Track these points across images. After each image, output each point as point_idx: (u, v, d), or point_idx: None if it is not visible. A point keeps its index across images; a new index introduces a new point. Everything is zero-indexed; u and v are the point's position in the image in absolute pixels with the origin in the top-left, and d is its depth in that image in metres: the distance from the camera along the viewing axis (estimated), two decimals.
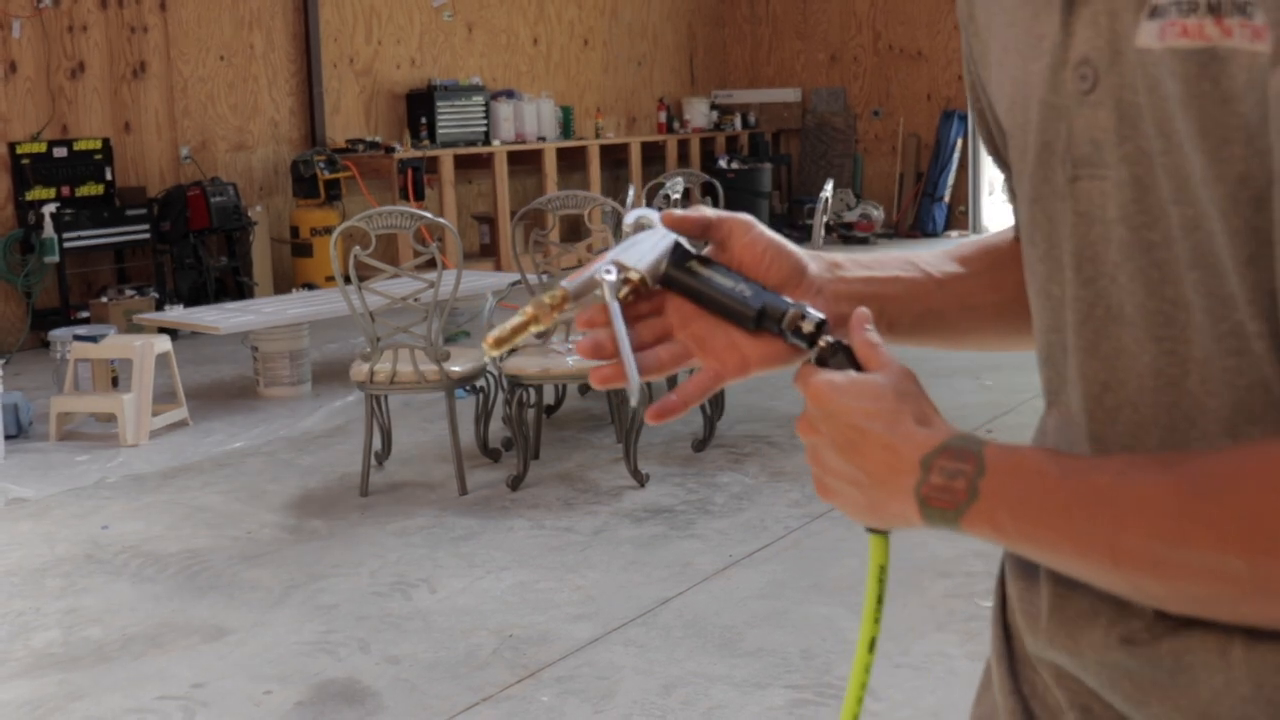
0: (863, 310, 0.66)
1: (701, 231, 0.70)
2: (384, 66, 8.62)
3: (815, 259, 0.72)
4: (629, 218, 0.71)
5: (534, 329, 0.64)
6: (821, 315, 0.66)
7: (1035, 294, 0.64)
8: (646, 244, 0.68)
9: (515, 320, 0.65)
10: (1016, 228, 0.72)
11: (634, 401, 0.70)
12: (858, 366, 0.64)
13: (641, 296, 0.67)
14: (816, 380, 0.63)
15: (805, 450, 0.66)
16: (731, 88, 11.35)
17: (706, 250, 0.70)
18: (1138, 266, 0.56)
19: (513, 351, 4.21)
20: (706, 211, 0.71)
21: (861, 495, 0.63)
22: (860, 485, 0.62)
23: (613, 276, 0.66)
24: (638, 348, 0.66)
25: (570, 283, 0.66)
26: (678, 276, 0.68)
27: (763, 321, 0.66)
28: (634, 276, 0.66)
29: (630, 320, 0.67)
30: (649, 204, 4.89)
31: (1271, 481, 0.50)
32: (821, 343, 0.65)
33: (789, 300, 0.67)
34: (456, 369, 3.90)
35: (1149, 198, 0.55)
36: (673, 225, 0.69)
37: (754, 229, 0.70)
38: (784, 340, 0.67)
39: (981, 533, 0.58)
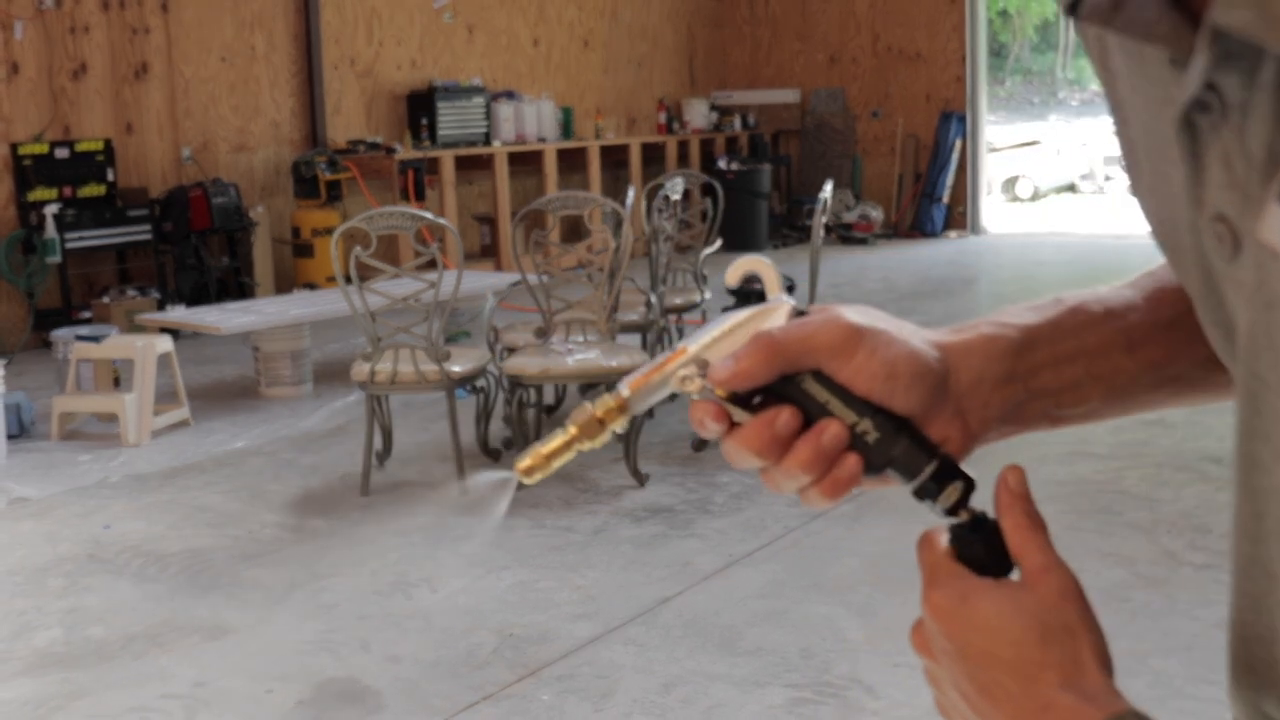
0: (1016, 474, 0.50)
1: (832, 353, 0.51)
2: (385, 68, 8.63)
3: (959, 344, 0.54)
4: (733, 269, 0.53)
5: (581, 448, 0.51)
6: (969, 480, 0.51)
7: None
8: (740, 331, 0.50)
9: (555, 442, 0.51)
10: None
11: None
12: (1002, 556, 0.50)
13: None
14: (939, 599, 0.49)
15: (924, 669, 0.53)
16: (731, 88, 11.37)
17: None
18: None
19: (511, 351, 4.22)
20: (847, 317, 0.51)
21: None
22: None
23: (695, 383, 0.50)
24: None
25: (631, 386, 0.51)
26: (786, 394, 0.50)
27: (895, 471, 0.51)
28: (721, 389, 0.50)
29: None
30: (648, 205, 4.89)
31: None
32: (962, 514, 0.51)
33: (936, 446, 0.51)
34: (457, 369, 3.92)
35: None
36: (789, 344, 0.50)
37: (890, 341, 0.52)
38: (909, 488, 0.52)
39: None
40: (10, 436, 4.64)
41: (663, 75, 10.87)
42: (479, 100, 8.77)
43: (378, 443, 4.10)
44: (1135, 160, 0.47)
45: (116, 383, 4.96)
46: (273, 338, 5.25)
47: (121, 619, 3.03)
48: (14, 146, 6.69)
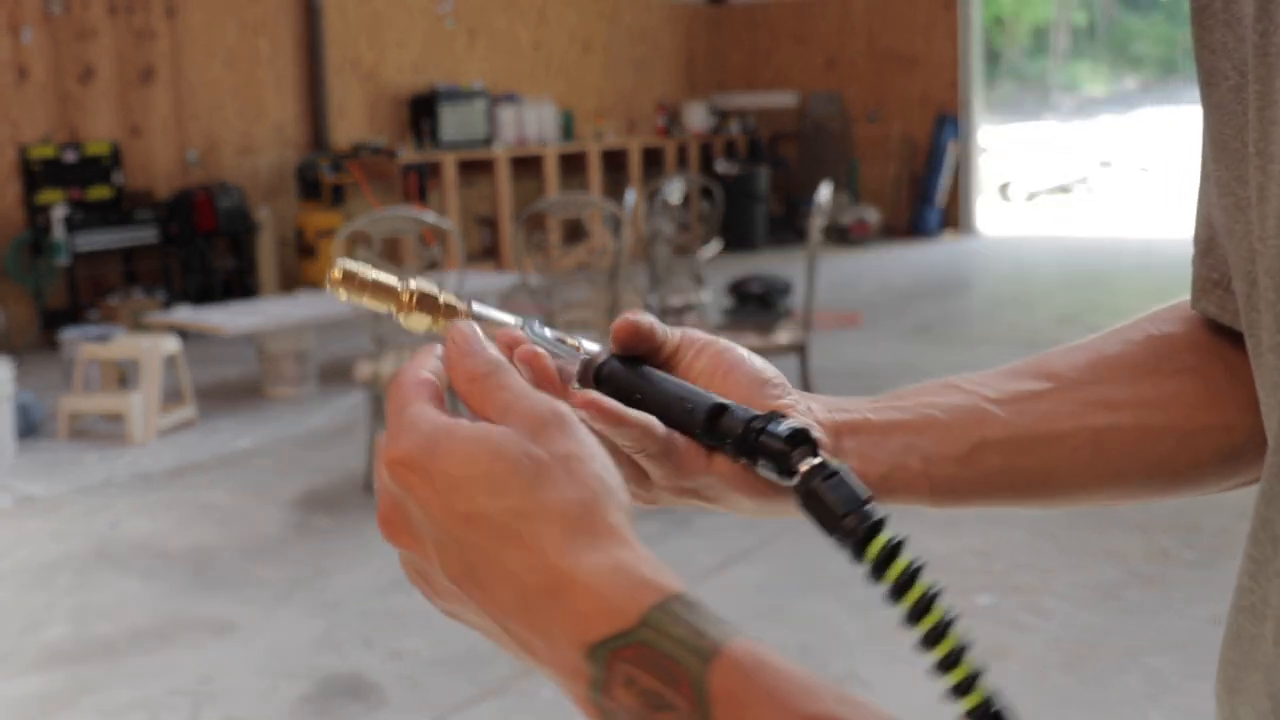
0: (458, 330, 0.41)
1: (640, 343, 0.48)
2: (387, 71, 8.68)
3: (808, 396, 0.49)
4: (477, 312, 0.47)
5: (399, 313, 0.46)
6: (804, 423, 0.44)
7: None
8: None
9: (385, 280, 0.46)
10: (1198, 297, 0.51)
11: None
12: (858, 497, 0.41)
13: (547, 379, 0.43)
14: (406, 451, 0.38)
15: (400, 560, 0.40)
16: (730, 92, 11.41)
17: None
18: None
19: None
20: (653, 324, 0.48)
21: (502, 641, 0.38)
22: (496, 637, 0.38)
23: (547, 332, 0.46)
24: None
25: (478, 306, 0.47)
26: (612, 374, 0.47)
27: (717, 424, 0.45)
28: (581, 346, 0.47)
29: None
30: (649, 206, 4.93)
31: None
32: (803, 467, 0.42)
33: (751, 410, 0.45)
34: None
35: None
36: (621, 337, 0.47)
37: (716, 344, 0.48)
38: (738, 462, 0.45)
39: None
40: (19, 436, 4.69)
41: (662, 78, 10.91)
42: (480, 103, 8.82)
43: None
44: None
45: (123, 383, 5.01)
46: (277, 338, 5.29)
47: (128, 615, 3.06)
48: (22, 149, 6.74)
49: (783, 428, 0.43)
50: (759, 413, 0.45)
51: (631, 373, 0.47)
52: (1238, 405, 0.50)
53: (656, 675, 0.34)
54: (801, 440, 0.43)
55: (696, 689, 0.34)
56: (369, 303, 0.46)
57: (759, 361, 0.48)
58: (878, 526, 0.41)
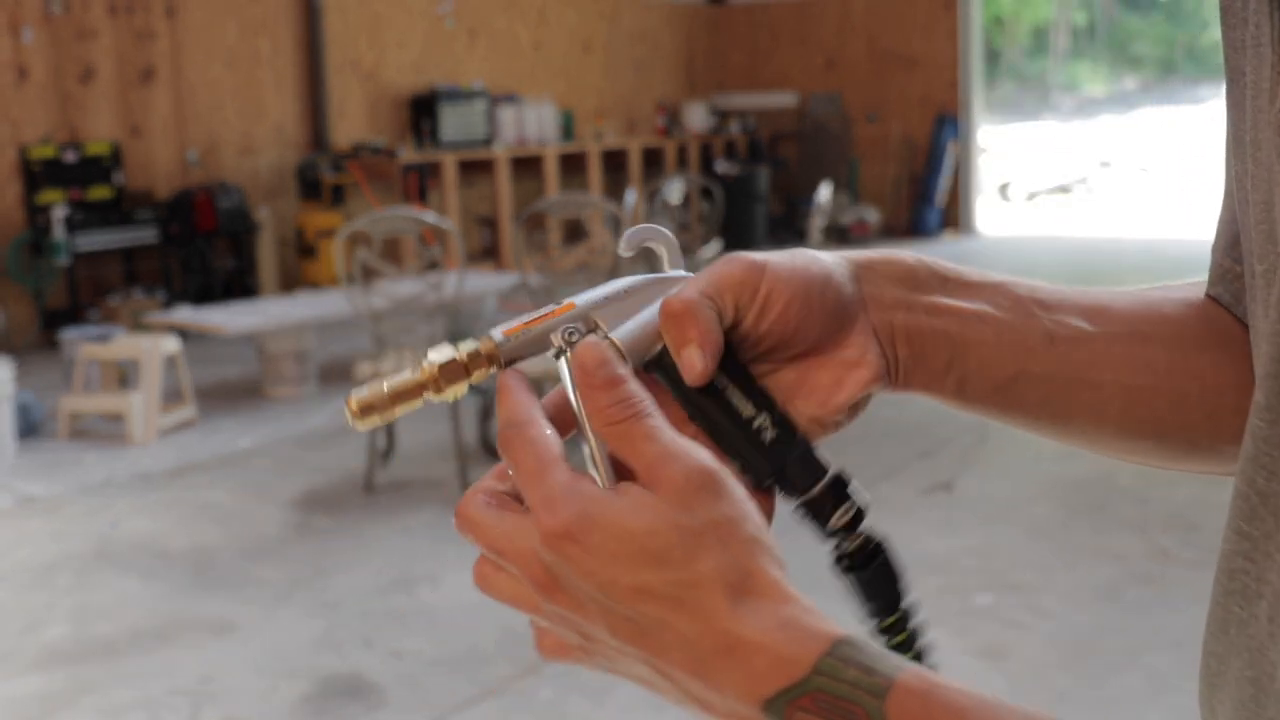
0: (591, 351, 0.41)
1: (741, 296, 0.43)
2: (387, 71, 8.69)
3: (872, 271, 0.47)
4: (629, 238, 0.45)
5: (433, 396, 0.42)
6: (861, 505, 0.44)
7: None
8: (636, 297, 0.43)
9: (406, 381, 0.42)
10: (1212, 292, 0.51)
11: None
12: (894, 584, 0.43)
13: None
14: (559, 523, 0.38)
15: (543, 627, 0.41)
16: (729, 92, 11.42)
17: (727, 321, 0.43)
18: None
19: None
20: (748, 254, 0.44)
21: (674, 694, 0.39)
22: (666, 686, 0.39)
23: (576, 339, 0.42)
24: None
25: (505, 333, 0.42)
26: (675, 373, 0.43)
27: (782, 485, 0.44)
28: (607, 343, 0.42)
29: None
30: (650, 209, 4.93)
31: None
32: (852, 541, 0.44)
33: (825, 461, 0.43)
34: None
35: None
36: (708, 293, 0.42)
37: (794, 267, 0.44)
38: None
39: None
40: (19, 436, 4.69)
41: (662, 79, 10.92)
42: (481, 103, 8.83)
43: (381, 442, 4.15)
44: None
45: (123, 383, 5.01)
46: (277, 338, 5.30)
47: (128, 615, 3.07)
48: (23, 149, 6.75)
49: (845, 510, 0.44)
50: (825, 475, 0.43)
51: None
52: None
53: (825, 709, 0.36)
54: (858, 520, 0.44)
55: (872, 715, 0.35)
56: (403, 411, 0.42)
57: (828, 276, 0.45)
58: (905, 618, 0.45)
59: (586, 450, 0.40)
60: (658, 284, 0.44)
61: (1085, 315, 0.50)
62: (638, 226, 0.46)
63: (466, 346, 0.42)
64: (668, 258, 0.45)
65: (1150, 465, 0.53)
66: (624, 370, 0.40)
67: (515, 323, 0.43)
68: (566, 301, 0.43)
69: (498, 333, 0.43)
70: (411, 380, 0.42)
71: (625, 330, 0.42)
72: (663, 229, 0.46)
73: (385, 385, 0.42)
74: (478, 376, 0.43)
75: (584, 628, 0.39)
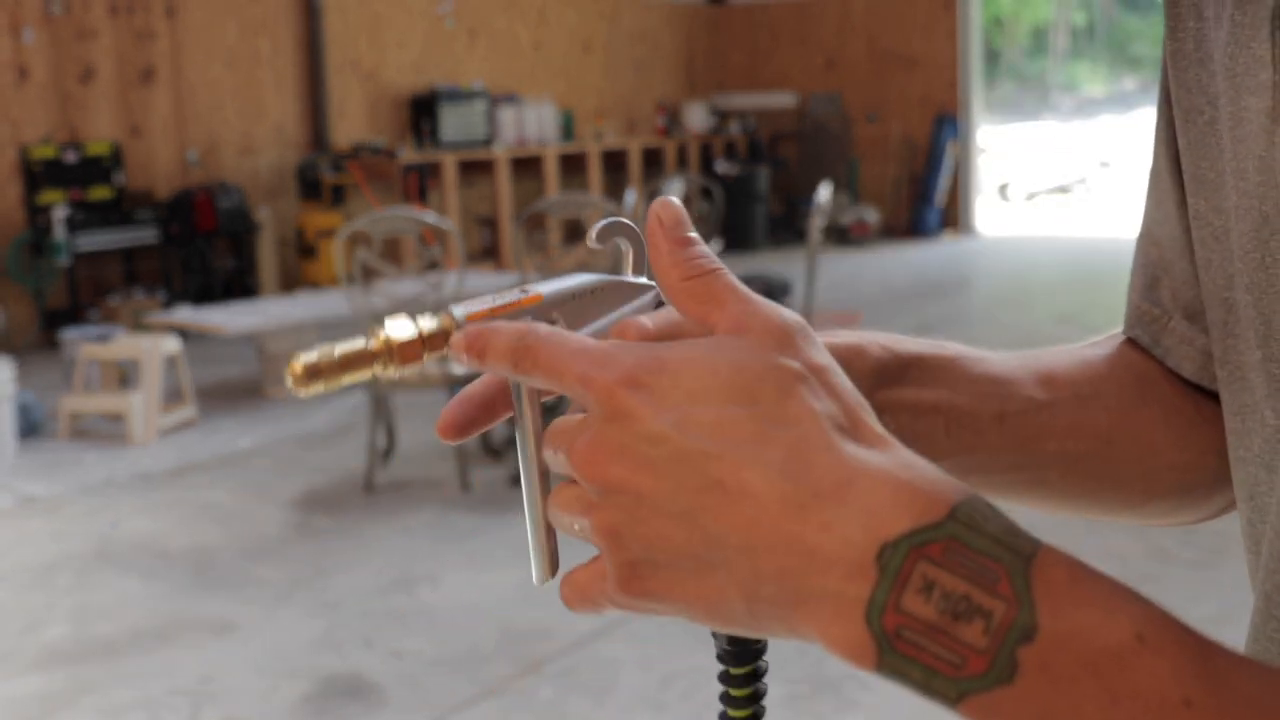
0: (668, 209, 0.38)
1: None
2: (387, 71, 8.69)
3: (848, 368, 0.40)
4: (599, 230, 0.43)
5: (382, 370, 0.39)
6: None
7: (1231, 416, 0.44)
8: (600, 299, 0.41)
9: (356, 347, 0.39)
10: (1131, 334, 0.52)
11: (536, 579, 0.41)
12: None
13: None
14: (634, 370, 0.34)
15: (590, 516, 0.35)
16: (729, 92, 11.43)
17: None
18: None
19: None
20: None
21: (733, 593, 0.33)
22: (721, 574, 0.33)
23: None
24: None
25: (469, 317, 0.40)
26: None
27: None
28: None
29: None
30: (649, 206, 4.94)
31: None
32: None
33: None
34: (459, 369, 3.97)
35: None
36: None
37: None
38: None
39: None
40: (19, 436, 4.70)
41: (662, 79, 10.93)
42: (480, 104, 8.83)
43: (381, 441, 4.15)
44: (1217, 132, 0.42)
45: (123, 383, 5.01)
46: (277, 338, 5.30)
47: (129, 615, 3.07)
48: (23, 149, 6.75)
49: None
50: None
51: None
52: (1199, 446, 0.50)
53: (966, 576, 0.30)
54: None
55: (1018, 588, 0.30)
56: (349, 380, 0.39)
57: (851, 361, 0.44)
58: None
59: (522, 454, 0.39)
60: (623, 289, 0.42)
61: (1035, 384, 0.48)
62: (608, 219, 0.43)
63: (426, 324, 0.40)
64: (633, 258, 0.43)
65: (1085, 517, 0.53)
66: (696, 237, 0.37)
67: (479, 306, 0.40)
68: (534, 291, 0.41)
69: (460, 312, 0.40)
70: (365, 349, 0.39)
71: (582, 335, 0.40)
72: (633, 224, 0.43)
73: (336, 350, 0.39)
74: (432, 356, 0.40)
75: (641, 488, 0.33)
